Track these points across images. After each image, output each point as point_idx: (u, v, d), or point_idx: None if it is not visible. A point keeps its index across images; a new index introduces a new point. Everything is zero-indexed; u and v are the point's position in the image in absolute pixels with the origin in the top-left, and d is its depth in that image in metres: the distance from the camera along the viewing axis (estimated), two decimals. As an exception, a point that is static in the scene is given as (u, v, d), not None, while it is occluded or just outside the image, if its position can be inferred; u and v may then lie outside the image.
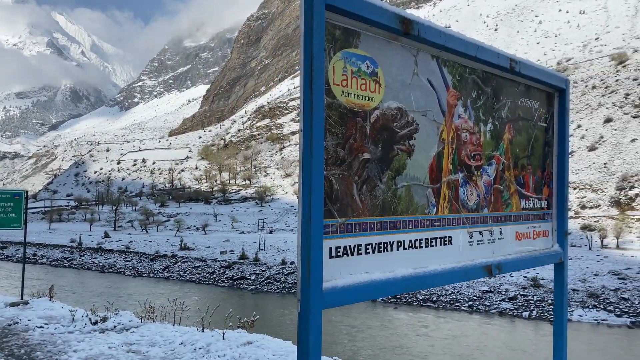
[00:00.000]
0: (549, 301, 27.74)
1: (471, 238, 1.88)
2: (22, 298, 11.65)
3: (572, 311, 26.66)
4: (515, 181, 2.14)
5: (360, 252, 1.48)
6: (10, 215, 12.00)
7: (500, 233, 2.04)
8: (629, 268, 31.72)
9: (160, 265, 38.01)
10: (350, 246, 1.46)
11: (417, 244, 1.66)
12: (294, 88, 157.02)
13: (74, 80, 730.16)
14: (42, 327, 6.14)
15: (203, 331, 5.82)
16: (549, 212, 2.36)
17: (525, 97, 2.21)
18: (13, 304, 11.05)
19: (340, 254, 1.43)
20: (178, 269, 36.49)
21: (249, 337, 5.54)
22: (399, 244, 1.60)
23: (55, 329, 5.81)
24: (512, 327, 23.37)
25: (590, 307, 26.96)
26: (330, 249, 1.40)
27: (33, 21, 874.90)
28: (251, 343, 5.31)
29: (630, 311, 25.78)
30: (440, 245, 1.75)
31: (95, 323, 6.04)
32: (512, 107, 2.13)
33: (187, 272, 35.59)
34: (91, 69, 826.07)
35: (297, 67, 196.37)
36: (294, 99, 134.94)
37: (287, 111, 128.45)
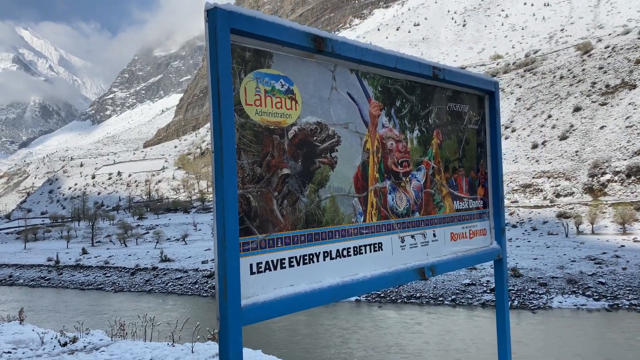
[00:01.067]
0: (529, 290, 28.24)
1: (403, 242, 1.94)
2: None
3: (551, 298, 27.20)
4: (447, 184, 2.20)
5: (284, 266, 1.52)
6: None
7: (434, 235, 2.10)
8: (604, 252, 32.49)
9: (142, 278, 37.56)
10: (272, 261, 1.49)
11: (344, 252, 1.70)
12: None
13: (43, 95, 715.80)
14: (10, 353, 6.03)
15: (173, 346, 5.81)
16: (486, 211, 2.44)
17: (454, 101, 2.27)
18: None
19: (262, 269, 1.46)
20: (159, 282, 36.10)
21: (217, 349, 5.52)
22: (326, 254, 1.64)
23: (24, 353, 5.72)
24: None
25: (569, 293, 27.55)
26: (251, 265, 1.43)
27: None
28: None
29: (608, 295, 26.42)
30: (370, 252, 1.80)
31: (65, 344, 5.96)
32: (440, 112, 2.19)
33: (169, 284, 35.25)
34: (60, 83, 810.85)
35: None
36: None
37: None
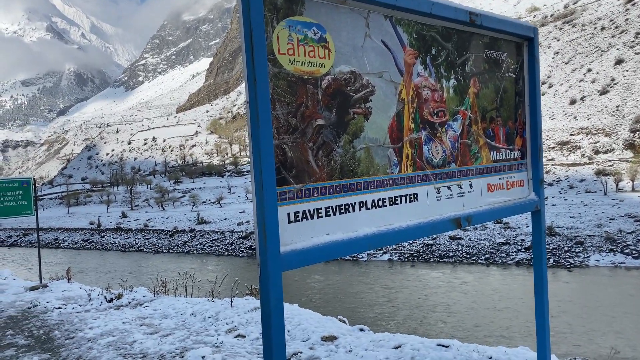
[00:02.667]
0: (565, 248, 27.80)
1: (439, 193, 1.92)
2: (41, 281, 11.97)
3: (588, 256, 26.75)
4: (484, 134, 2.15)
5: (320, 215, 1.53)
6: (21, 202, 12.41)
7: (470, 186, 2.07)
8: (645, 210, 31.53)
9: (180, 240, 38.69)
10: (309, 210, 1.51)
11: (380, 203, 1.70)
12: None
13: (77, 63, 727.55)
14: (60, 308, 6.38)
15: (213, 301, 6.01)
16: (524, 162, 2.38)
17: (491, 49, 2.19)
18: (33, 288, 11.38)
19: (300, 218, 1.48)
20: (197, 243, 37.10)
21: (256, 303, 5.69)
22: (361, 204, 1.65)
23: (73, 308, 6.03)
24: (533, 276, 23.45)
25: (607, 251, 27.00)
26: (289, 214, 1.45)
27: (30, 7, 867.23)
28: (258, 309, 5.48)
29: (650, 252, 25.80)
30: (406, 202, 1.79)
31: (111, 300, 6.26)
32: (477, 60, 2.12)
33: (207, 245, 36.19)
34: (93, 50, 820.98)
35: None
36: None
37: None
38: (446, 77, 1.97)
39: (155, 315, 5.68)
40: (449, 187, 1.96)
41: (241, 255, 32.96)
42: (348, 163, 1.61)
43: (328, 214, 1.55)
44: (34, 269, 32.58)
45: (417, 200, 1.83)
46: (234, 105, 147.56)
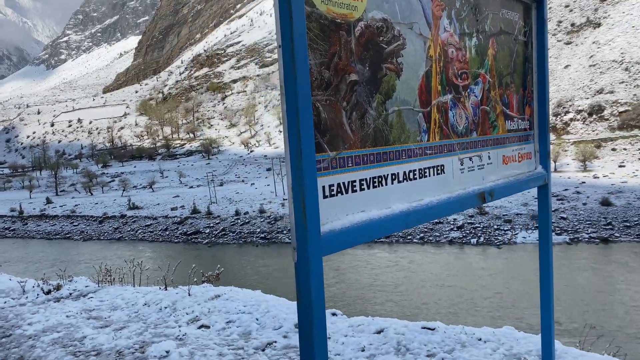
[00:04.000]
0: (494, 227, 29.17)
1: (462, 165, 1.74)
2: None
3: (516, 234, 28.23)
4: (500, 101, 1.99)
5: (355, 189, 1.29)
6: None
7: (489, 158, 1.91)
8: (566, 189, 33.66)
9: (110, 226, 37.00)
10: (344, 183, 1.26)
11: (411, 175, 1.49)
12: (231, 34, 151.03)
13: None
14: (-11, 303, 5.72)
15: (166, 289, 5.57)
16: (531, 133, 2.25)
17: (505, 8, 2.03)
18: None
19: (334, 192, 1.23)
20: (129, 229, 35.67)
21: (215, 290, 5.34)
22: (394, 177, 1.42)
23: (5, 302, 5.38)
24: (465, 254, 24.45)
25: (533, 228, 28.59)
26: (324, 187, 1.20)
27: None
28: (219, 297, 5.12)
29: (569, 229, 27.58)
30: (434, 175, 1.59)
31: (49, 292, 5.64)
32: (494, 19, 1.95)
33: (139, 231, 34.88)
34: (9, 25, 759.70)
35: (232, 12, 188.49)
36: (231, 45, 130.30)
37: (225, 58, 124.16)
38: (469, 35, 1.78)
39: (102, 307, 5.20)
40: (470, 159, 1.79)
41: (176, 241, 32.05)
42: (381, 128, 1.37)
43: (362, 187, 1.31)
44: None
45: (444, 173, 1.64)
46: (165, 86, 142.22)
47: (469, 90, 1.77)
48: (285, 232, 29.04)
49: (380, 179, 1.37)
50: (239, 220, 33.30)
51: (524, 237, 27.54)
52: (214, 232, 32.20)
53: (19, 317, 4.71)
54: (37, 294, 5.79)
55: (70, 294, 5.85)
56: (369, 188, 1.33)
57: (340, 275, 20.17)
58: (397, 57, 1.43)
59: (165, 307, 4.99)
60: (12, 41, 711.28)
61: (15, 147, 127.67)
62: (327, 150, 1.20)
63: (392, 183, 1.41)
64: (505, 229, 29.01)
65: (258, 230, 31.36)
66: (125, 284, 6.49)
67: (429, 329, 3.54)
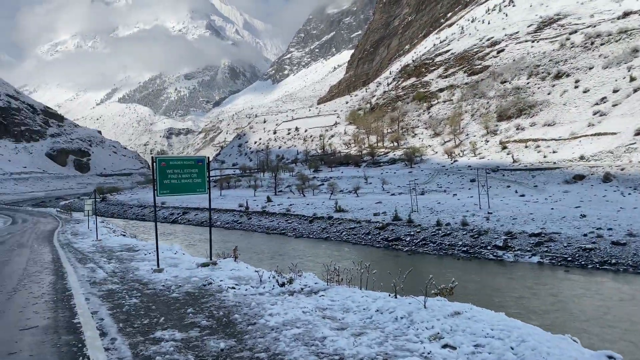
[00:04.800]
0: None
1: None
2: (210, 259, 12.55)
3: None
4: None
5: None
6: (196, 180, 12.62)
7: None
8: None
9: (319, 226, 39.65)
10: None
11: None
12: (440, 42, 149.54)
13: (231, 58, 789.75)
14: (234, 288, 6.43)
15: (396, 297, 5.44)
16: None
17: None
18: (204, 265, 12.04)
19: None
20: (335, 230, 37.68)
21: (453, 306, 4.98)
22: None
23: (247, 290, 6.00)
24: None
25: None
26: None
27: (193, 7, 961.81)
28: (459, 314, 4.74)
29: None
30: None
31: (282, 285, 6.10)
32: None
33: (344, 233, 36.57)
34: (245, 46, 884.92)
35: (442, 21, 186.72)
36: (440, 54, 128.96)
37: (433, 67, 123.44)
38: None
39: (335, 307, 5.34)
40: None
41: (378, 245, 32.74)
42: None
43: None
44: (196, 245, 35.77)
45: None
46: (373, 96, 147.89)
47: None
48: (489, 247, 27.36)
49: None
50: (440, 231, 32.63)
51: None
52: (414, 240, 32.09)
53: (260, 307, 5.11)
54: (273, 285, 6.25)
55: (302, 289, 6.15)
56: None
57: (561, 303, 17.95)
58: None
59: (401, 318, 4.83)
60: (247, 60, 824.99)
61: (245, 151, 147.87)
62: None
63: None
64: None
65: (460, 243, 30.22)
66: (352, 285, 6.58)
67: None
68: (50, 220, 50.95)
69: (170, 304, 8.08)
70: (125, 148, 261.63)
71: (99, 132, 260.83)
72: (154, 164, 11.86)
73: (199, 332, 5.37)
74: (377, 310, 4.98)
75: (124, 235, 32.91)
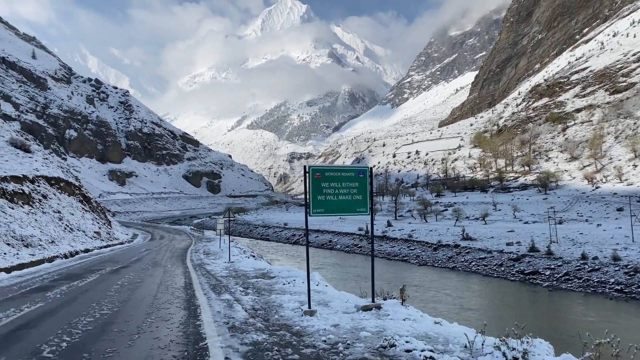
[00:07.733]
0: None
1: None
2: (373, 300, 10.29)
3: None
4: None
5: None
6: (356, 197, 9.84)
7: None
8: None
9: (444, 255, 37.47)
10: None
11: None
12: (576, 60, 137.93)
13: (351, 84, 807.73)
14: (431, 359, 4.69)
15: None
16: None
17: None
18: (365, 308, 9.61)
19: None
20: (462, 260, 35.29)
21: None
22: None
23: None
24: None
25: None
26: None
27: (316, 37, 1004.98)
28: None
29: None
30: None
31: (513, 361, 4.23)
32: None
33: (472, 263, 34.09)
34: (365, 72, 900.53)
35: (577, 37, 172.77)
36: (576, 72, 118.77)
37: (568, 86, 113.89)
38: None
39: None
40: None
41: (512, 279, 29.80)
42: None
43: None
44: (325, 268, 34.38)
45: None
46: (500, 118, 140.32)
47: None
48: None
49: None
50: (587, 266, 28.83)
51: None
52: (555, 275, 28.69)
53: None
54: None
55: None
56: None
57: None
58: None
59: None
60: (367, 85, 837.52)
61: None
62: None
63: None
64: None
65: (612, 280, 26.33)
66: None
67: None
68: (184, 238, 54.50)
69: (347, 382, 6.18)
70: (252, 171, 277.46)
71: (229, 156, 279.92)
72: (307, 174, 9.58)
73: None
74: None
75: (254, 257, 33.61)
